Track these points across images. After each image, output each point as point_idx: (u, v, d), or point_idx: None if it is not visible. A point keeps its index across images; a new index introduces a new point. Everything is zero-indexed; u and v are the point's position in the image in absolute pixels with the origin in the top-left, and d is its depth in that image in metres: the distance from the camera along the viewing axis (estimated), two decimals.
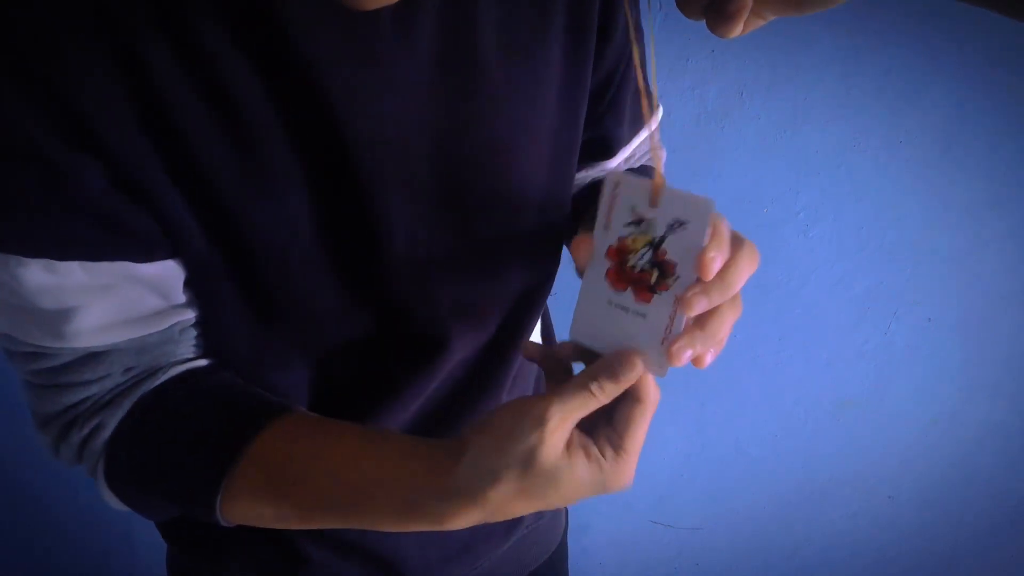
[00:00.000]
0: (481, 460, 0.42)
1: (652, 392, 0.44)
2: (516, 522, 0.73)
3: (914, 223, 1.22)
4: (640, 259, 0.43)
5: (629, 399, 0.44)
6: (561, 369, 0.49)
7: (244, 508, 0.48)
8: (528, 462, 0.41)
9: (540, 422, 0.41)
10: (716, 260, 0.41)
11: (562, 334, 0.52)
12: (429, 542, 0.67)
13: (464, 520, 0.43)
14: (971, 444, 1.44)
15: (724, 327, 0.44)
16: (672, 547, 1.56)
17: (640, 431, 0.44)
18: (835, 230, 1.22)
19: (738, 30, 0.36)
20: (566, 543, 0.85)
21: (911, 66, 1.09)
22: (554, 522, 0.82)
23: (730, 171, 1.15)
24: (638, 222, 0.43)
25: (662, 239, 0.42)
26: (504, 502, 0.42)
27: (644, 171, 0.70)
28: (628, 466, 0.44)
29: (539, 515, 0.75)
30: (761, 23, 0.37)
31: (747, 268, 0.43)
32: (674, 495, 1.49)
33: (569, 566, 0.89)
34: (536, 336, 0.70)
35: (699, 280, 0.42)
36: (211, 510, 0.48)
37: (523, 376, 0.69)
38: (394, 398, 0.59)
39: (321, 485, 0.48)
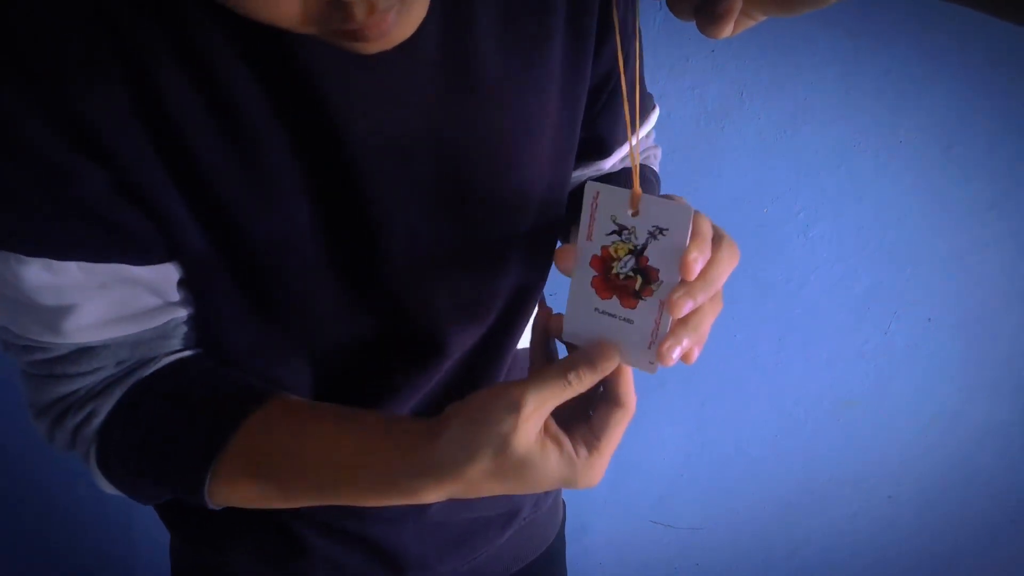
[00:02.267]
0: (458, 440, 0.44)
1: (633, 399, 0.46)
2: (513, 515, 0.73)
3: (914, 223, 1.22)
4: (623, 267, 0.44)
5: (610, 402, 0.46)
6: (544, 351, 0.50)
7: (231, 491, 0.50)
8: (502, 446, 0.42)
9: (515, 408, 0.42)
10: (698, 261, 0.42)
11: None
12: (428, 533, 0.68)
13: (439, 494, 0.45)
14: (971, 444, 1.44)
15: (706, 323, 0.45)
16: (672, 547, 1.56)
17: (616, 434, 0.45)
18: (835, 230, 1.22)
19: (728, 31, 0.36)
20: (563, 536, 0.86)
21: (911, 66, 1.09)
22: (551, 515, 0.82)
23: (730, 171, 1.15)
24: (619, 231, 0.44)
25: (644, 246, 0.43)
26: (477, 481, 0.44)
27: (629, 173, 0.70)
28: (600, 466, 0.45)
29: (536, 508, 0.76)
30: (751, 24, 0.37)
31: (728, 265, 0.45)
32: (674, 495, 1.49)
33: (569, 566, 0.89)
34: (530, 327, 0.70)
35: (682, 281, 0.43)
36: (199, 494, 0.49)
37: (517, 369, 0.70)
38: (393, 394, 0.60)
39: (303, 466, 0.49)
